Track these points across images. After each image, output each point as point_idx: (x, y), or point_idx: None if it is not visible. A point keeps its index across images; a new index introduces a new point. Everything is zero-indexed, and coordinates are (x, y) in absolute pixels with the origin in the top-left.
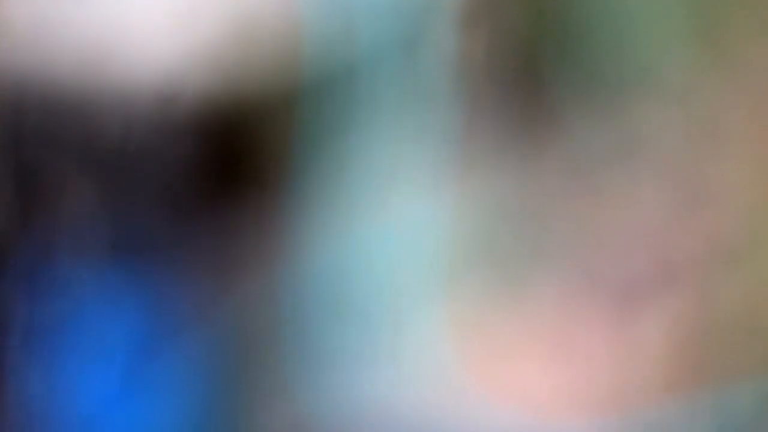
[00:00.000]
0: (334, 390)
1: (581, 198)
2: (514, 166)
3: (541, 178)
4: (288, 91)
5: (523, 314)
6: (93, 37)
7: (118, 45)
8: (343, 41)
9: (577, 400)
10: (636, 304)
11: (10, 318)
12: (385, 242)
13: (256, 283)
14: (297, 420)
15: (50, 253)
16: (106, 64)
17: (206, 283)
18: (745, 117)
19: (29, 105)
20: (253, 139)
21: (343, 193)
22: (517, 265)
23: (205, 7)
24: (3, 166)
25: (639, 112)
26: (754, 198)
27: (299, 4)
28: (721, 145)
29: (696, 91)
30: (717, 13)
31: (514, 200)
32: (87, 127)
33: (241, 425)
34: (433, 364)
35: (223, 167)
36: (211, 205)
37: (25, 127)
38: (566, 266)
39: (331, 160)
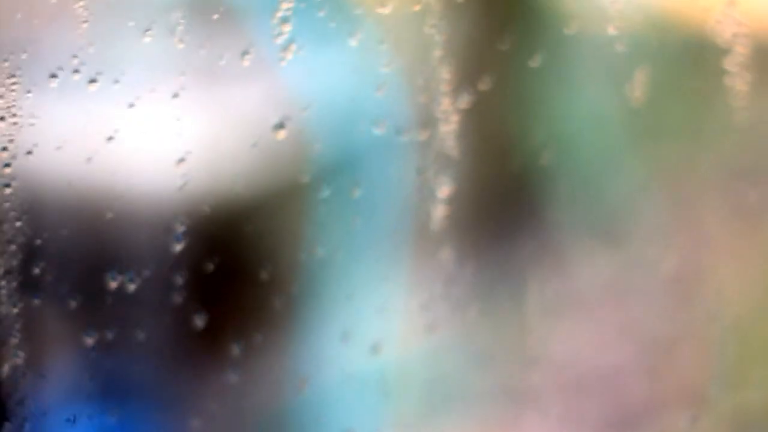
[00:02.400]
0: None
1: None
2: (494, 306)
3: (522, 318)
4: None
5: None
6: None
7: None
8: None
9: None
10: None
11: None
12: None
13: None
14: None
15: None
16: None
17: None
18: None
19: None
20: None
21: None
22: (496, 408)
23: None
24: None
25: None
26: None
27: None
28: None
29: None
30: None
31: (495, 341)
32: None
33: None
34: None
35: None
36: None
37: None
38: (549, 409)
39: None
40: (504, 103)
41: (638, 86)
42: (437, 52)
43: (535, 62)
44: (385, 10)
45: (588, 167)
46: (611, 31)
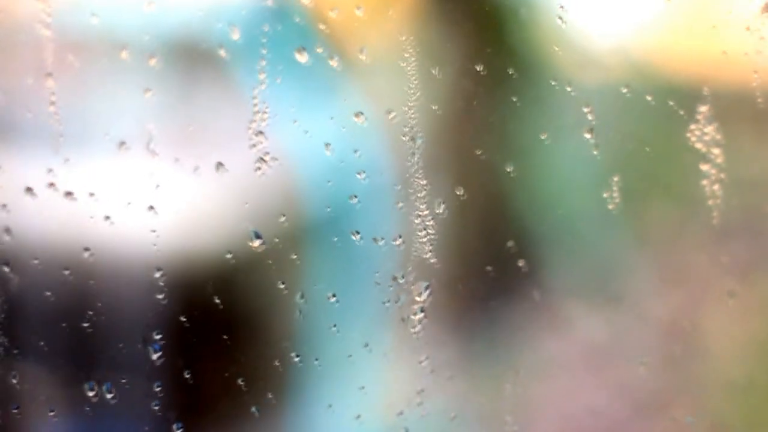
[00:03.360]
0: None
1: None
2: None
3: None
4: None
5: None
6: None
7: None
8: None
9: None
10: None
11: None
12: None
13: None
14: None
15: None
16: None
17: None
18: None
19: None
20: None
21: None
22: None
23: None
24: None
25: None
26: None
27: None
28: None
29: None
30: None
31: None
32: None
33: None
34: None
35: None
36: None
37: None
38: None
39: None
40: (483, 204)
41: (621, 144)
42: (415, 159)
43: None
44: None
45: (574, 231)
46: (591, 85)
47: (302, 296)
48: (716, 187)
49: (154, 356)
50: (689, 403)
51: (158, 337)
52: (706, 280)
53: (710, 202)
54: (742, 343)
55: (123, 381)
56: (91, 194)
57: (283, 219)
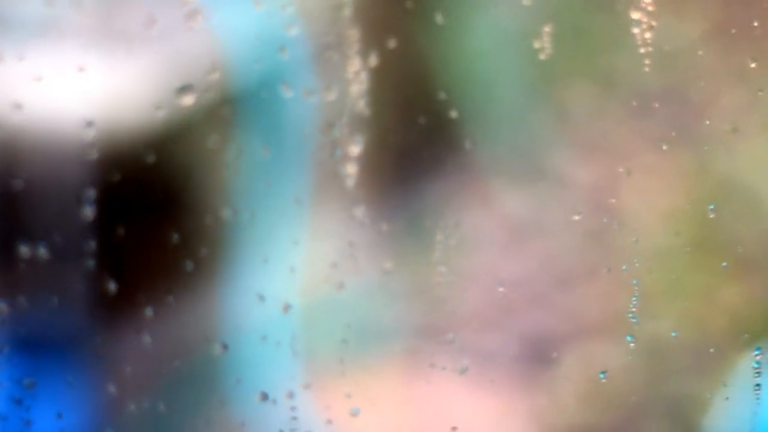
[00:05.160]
0: None
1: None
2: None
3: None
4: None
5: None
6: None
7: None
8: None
9: None
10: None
11: None
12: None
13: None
14: None
15: None
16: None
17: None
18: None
19: None
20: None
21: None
22: (411, 348)
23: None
24: None
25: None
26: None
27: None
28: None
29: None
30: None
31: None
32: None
33: None
34: None
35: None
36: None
37: None
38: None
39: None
40: (413, 55)
41: (546, 29)
42: (344, 12)
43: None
44: None
45: (501, 110)
46: None
47: (235, 151)
48: (642, 51)
49: (88, 213)
50: (611, 274)
51: (90, 194)
52: (629, 152)
53: (635, 71)
54: (663, 214)
55: (57, 239)
56: (21, 58)
57: (211, 73)
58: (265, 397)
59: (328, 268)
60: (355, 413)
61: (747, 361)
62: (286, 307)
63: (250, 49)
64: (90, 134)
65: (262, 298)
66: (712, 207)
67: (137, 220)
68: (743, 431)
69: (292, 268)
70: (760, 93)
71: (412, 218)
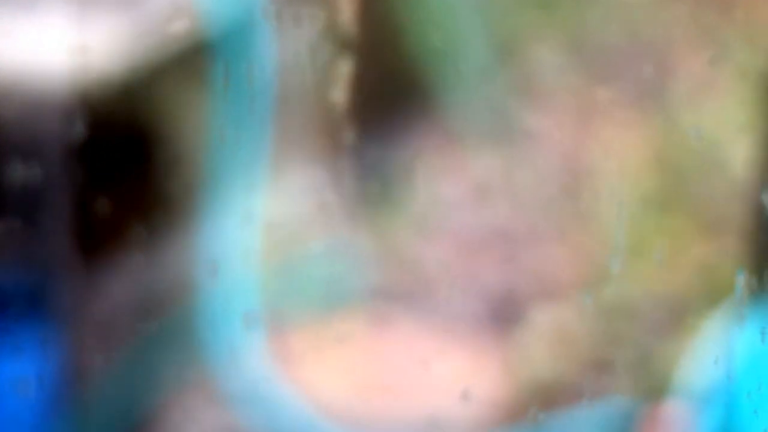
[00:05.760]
0: None
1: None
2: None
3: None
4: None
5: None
6: None
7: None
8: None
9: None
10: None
11: None
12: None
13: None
14: None
15: None
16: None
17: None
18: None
19: None
20: None
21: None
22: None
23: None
24: None
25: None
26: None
27: None
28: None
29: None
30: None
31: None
32: None
33: None
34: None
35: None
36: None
37: None
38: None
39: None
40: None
41: None
42: None
43: None
44: None
45: (469, 70)
46: None
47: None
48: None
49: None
50: (580, 233)
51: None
52: (596, 111)
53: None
54: (631, 172)
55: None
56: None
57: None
58: (233, 351)
59: (297, 225)
60: (322, 373)
61: (716, 318)
62: (252, 263)
63: None
64: (63, 83)
65: (229, 252)
66: (680, 165)
67: (108, 174)
68: (711, 386)
69: (262, 223)
70: (726, 50)
71: (382, 178)
